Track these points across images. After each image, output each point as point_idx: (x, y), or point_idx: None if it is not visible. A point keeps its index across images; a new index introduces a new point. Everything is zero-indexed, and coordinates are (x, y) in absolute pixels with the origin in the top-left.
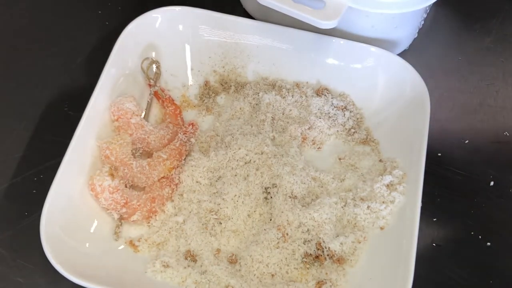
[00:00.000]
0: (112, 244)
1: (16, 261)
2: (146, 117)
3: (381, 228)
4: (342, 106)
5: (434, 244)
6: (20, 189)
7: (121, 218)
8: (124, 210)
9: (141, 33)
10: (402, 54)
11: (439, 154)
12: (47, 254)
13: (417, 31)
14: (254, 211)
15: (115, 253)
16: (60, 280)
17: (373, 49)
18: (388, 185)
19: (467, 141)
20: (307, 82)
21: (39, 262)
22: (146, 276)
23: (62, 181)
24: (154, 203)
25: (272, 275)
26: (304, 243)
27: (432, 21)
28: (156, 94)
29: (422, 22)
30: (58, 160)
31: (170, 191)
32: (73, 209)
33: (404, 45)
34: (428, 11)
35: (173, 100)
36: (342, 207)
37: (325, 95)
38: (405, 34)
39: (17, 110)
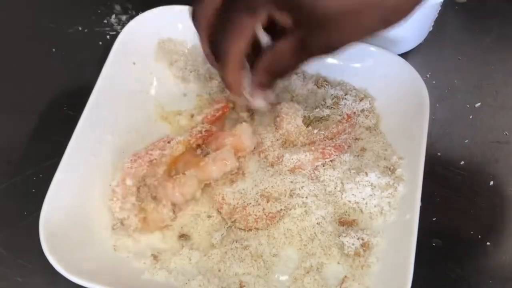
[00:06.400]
0: (112, 244)
1: (15, 261)
2: None
3: None
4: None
5: (434, 244)
6: (20, 189)
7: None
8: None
9: (141, 32)
10: (402, 54)
11: (439, 154)
12: (47, 253)
13: (431, 24)
14: None
15: (115, 252)
16: (60, 280)
17: (372, 48)
18: (387, 184)
19: (467, 141)
20: None
21: (38, 262)
22: (145, 276)
23: (61, 181)
24: None
25: None
26: None
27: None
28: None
29: (436, 15)
30: (57, 160)
31: None
32: (73, 209)
33: (419, 39)
34: (441, 4)
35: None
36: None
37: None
38: (422, 28)
39: (17, 110)
